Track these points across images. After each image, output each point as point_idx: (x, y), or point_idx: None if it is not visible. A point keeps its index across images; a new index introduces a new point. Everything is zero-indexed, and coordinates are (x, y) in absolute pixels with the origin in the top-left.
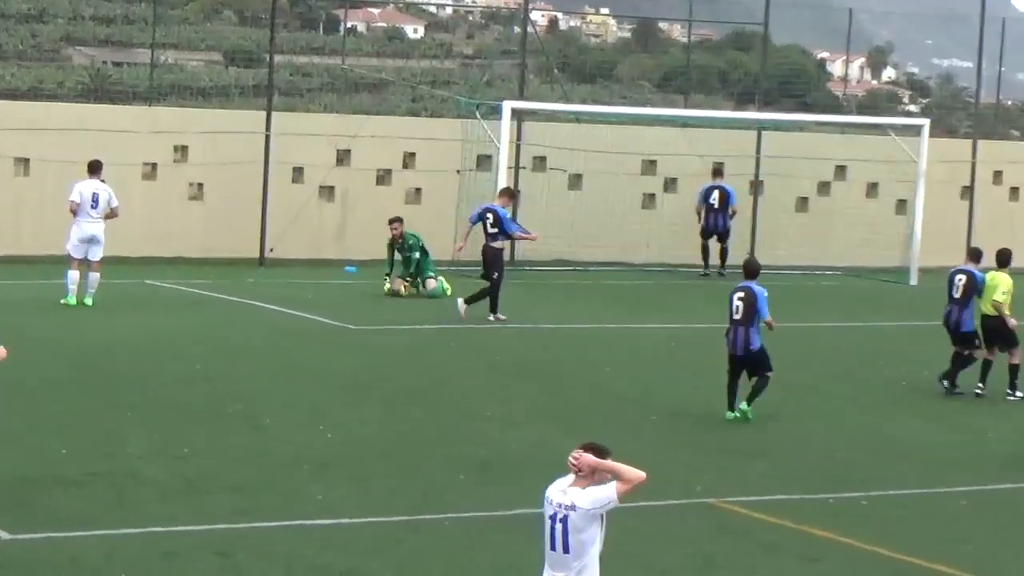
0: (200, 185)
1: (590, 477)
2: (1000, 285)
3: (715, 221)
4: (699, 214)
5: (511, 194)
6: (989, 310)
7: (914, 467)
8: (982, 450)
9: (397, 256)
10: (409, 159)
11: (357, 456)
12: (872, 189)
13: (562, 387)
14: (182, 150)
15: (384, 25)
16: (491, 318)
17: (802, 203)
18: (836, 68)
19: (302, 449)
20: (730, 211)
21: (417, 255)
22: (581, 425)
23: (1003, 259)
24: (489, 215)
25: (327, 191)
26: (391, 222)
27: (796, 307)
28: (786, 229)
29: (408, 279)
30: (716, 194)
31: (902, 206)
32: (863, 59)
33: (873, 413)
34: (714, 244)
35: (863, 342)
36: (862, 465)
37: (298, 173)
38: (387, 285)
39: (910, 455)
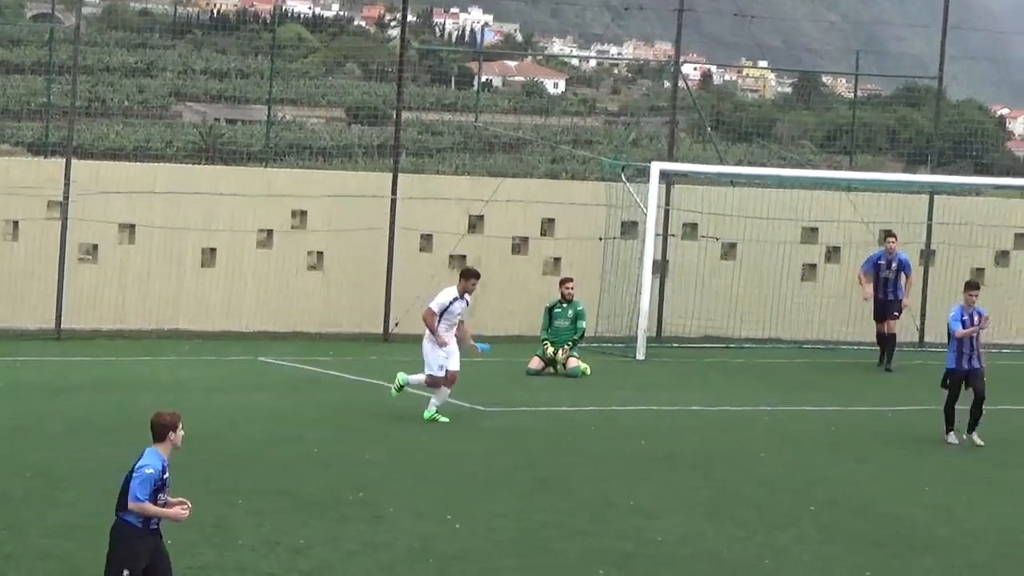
0: (320, 253)
1: None
2: None
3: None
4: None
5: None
6: None
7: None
8: None
9: (559, 323)
10: (547, 225)
11: (488, 550)
12: None
13: (712, 474)
14: (300, 215)
15: (522, 79)
16: None
17: (978, 274)
18: (1017, 126)
19: (428, 542)
20: (904, 284)
21: (584, 325)
22: (732, 516)
23: None
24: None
25: (458, 260)
26: (563, 282)
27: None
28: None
29: (570, 344)
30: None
31: None
32: None
33: None
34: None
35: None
36: None
37: (426, 240)
38: (548, 349)
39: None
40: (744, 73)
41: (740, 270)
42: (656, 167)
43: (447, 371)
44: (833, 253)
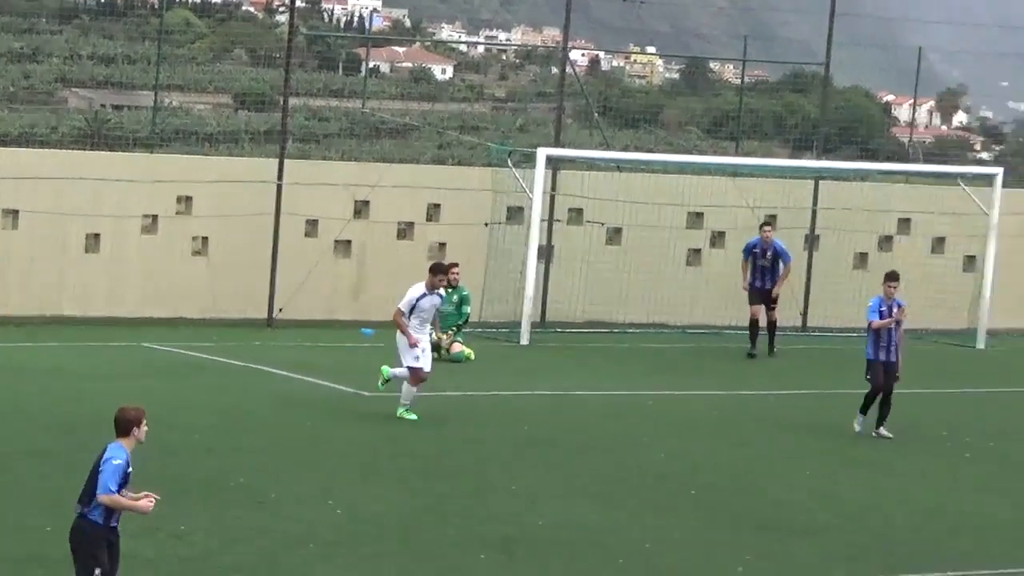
0: (205, 239)
1: None
2: None
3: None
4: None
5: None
6: None
7: (979, 544)
8: None
9: (444, 308)
10: (433, 211)
11: (369, 534)
12: (939, 244)
13: (595, 459)
14: (186, 201)
15: (409, 66)
16: None
17: (861, 259)
18: (902, 112)
19: (309, 527)
20: (781, 272)
21: (468, 311)
22: (614, 500)
23: None
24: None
25: (343, 246)
26: (450, 267)
27: (854, 372)
28: (843, 287)
29: (454, 330)
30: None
31: (971, 262)
32: (932, 103)
33: (935, 487)
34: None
35: (926, 410)
36: (919, 543)
37: (312, 226)
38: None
39: (974, 531)
40: (632, 59)
41: (625, 255)
42: (542, 153)
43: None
44: (718, 238)
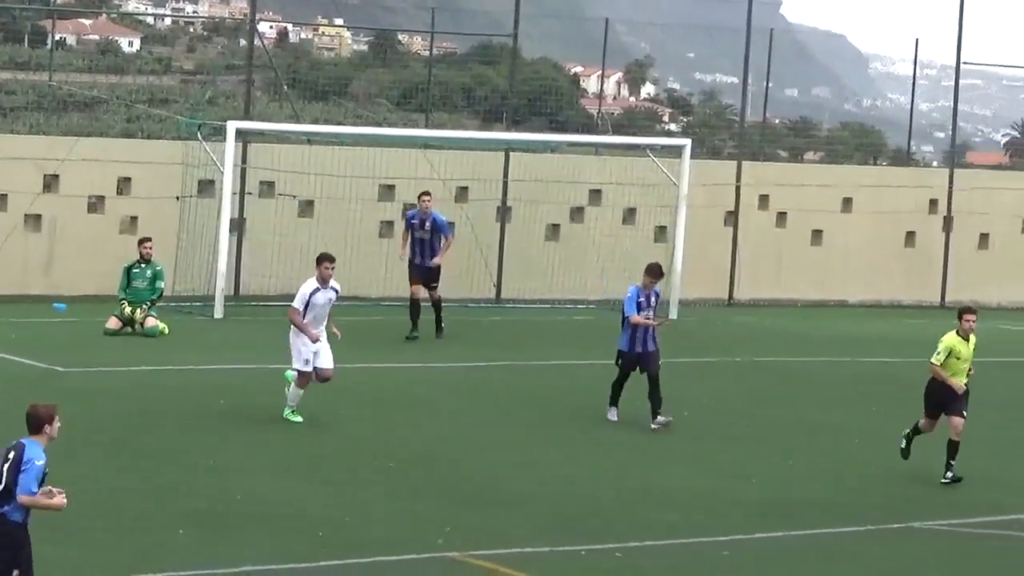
0: None
1: None
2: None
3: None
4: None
5: None
6: None
7: (675, 515)
8: (745, 496)
9: (137, 283)
10: (124, 184)
11: (72, 512)
12: (629, 215)
13: (294, 433)
14: None
15: (96, 38)
16: None
17: (553, 231)
18: (591, 84)
19: None
20: (441, 246)
21: (162, 285)
22: (315, 474)
23: None
24: None
25: (33, 220)
26: (141, 242)
27: (547, 343)
28: (536, 259)
29: (148, 304)
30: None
31: (662, 233)
32: (620, 74)
33: (634, 458)
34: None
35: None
36: (619, 514)
37: (0, 201)
38: (125, 309)
39: (671, 502)
40: (320, 31)
41: (318, 228)
42: (232, 126)
43: (316, 369)
44: (410, 210)
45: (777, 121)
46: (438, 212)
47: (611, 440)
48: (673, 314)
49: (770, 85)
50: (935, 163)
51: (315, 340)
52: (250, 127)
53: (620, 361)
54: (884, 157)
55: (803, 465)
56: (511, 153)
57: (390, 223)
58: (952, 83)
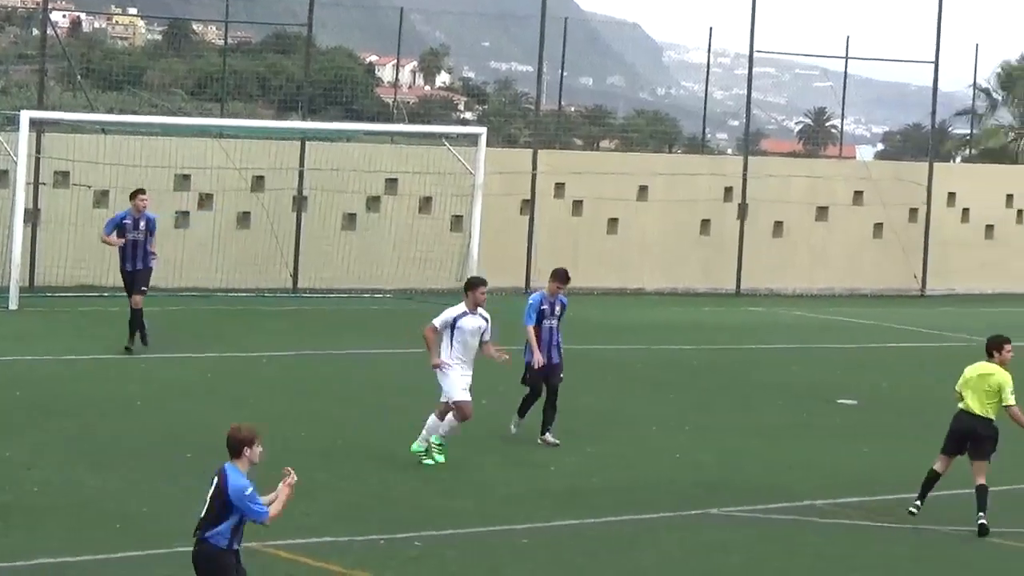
0: None
1: None
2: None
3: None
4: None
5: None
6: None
7: (472, 503)
8: (543, 485)
9: None
10: None
11: None
12: (426, 204)
13: (90, 423)
14: None
15: None
16: None
17: (350, 220)
18: (386, 73)
19: None
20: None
21: None
22: (111, 464)
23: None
24: None
25: None
26: None
27: (345, 333)
28: (332, 248)
29: None
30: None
31: (458, 222)
32: (415, 63)
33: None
34: None
35: (416, 371)
36: (417, 503)
37: None
38: None
39: (468, 490)
40: (114, 20)
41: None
42: (25, 115)
43: (454, 401)
44: (206, 200)
45: (572, 109)
46: (151, 213)
47: (408, 429)
48: None
49: (565, 74)
50: (729, 151)
51: (436, 367)
52: (44, 117)
53: (528, 375)
54: (679, 145)
55: (601, 453)
56: (307, 142)
57: (186, 213)
58: (746, 71)
